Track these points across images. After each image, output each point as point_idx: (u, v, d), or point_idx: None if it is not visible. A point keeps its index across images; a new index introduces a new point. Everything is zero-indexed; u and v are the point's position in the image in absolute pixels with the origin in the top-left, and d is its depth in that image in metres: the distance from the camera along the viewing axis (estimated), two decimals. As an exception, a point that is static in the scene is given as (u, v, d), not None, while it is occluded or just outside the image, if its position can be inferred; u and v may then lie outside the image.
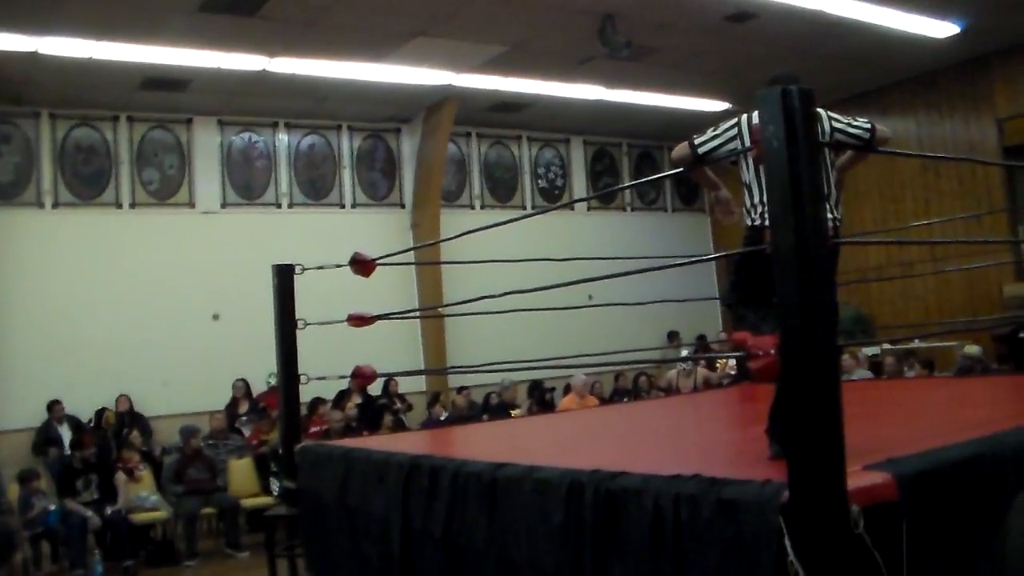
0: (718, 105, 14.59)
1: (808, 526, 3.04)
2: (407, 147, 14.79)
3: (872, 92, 14.86)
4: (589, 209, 16.46)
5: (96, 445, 10.13)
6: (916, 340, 13.19)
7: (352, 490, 5.90)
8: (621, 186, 17.65)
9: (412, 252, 12.76)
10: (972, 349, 11.42)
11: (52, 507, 9.20)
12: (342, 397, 11.58)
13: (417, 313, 13.19)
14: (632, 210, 17.32)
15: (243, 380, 12.18)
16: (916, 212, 14.10)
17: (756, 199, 4.15)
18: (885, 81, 14.61)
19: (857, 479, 3.19)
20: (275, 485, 9.76)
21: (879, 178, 13.63)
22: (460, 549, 4.74)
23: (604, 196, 16.89)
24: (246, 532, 10.15)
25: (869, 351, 12.59)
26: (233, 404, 12.15)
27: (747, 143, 4.10)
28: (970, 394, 7.61)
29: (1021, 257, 13.31)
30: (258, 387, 12.29)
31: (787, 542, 3.06)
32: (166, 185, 12.96)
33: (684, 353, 16.05)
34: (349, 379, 6.83)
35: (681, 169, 4.56)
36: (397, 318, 8.60)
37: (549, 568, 4.09)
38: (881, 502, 3.22)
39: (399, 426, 11.22)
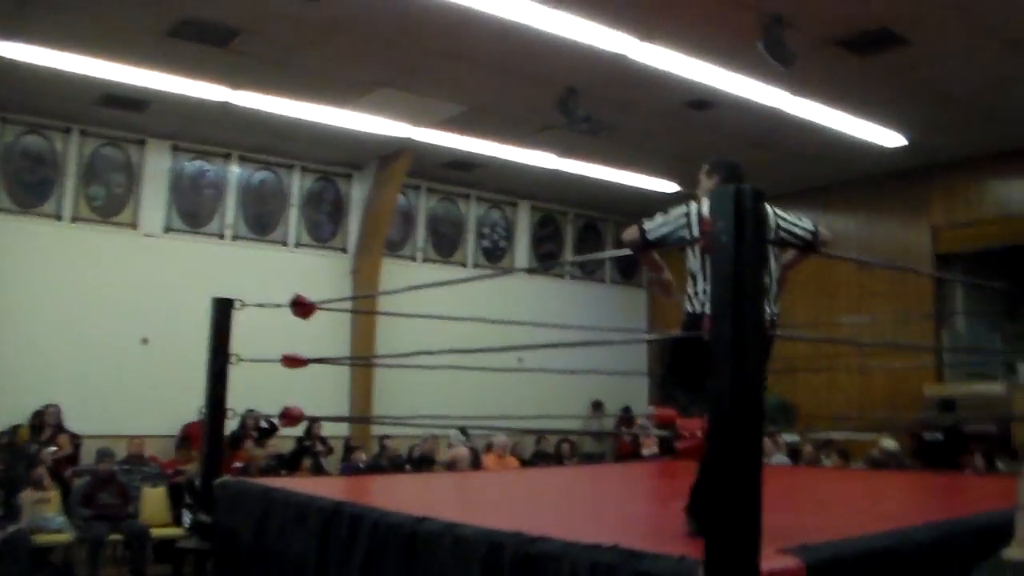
0: (668, 186, 14.84)
1: (721, 604, 3.14)
2: (356, 193, 14.82)
3: (817, 189, 15.26)
4: (529, 273, 16.60)
5: (4, 461, 9.94)
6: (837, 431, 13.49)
7: (270, 529, 5.89)
8: (584, 257, 17.86)
9: (353, 298, 12.81)
10: (889, 444, 11.68)
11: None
12: (241, 437, 11.52)
13: (335, 358, 13.15)
14: (571, 278, 17.46)
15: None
16: (848, 308, 14.49)
17: (699, 287, 4.27)
18: (830, 180, 15.03)
19: (770, 562, 3.28)
20: (187, 517, 9.64)
21: (816, 273, 13.88)
22: (375, 599, 4.77)
23: (545, 262, 17.05)
24: (152, 562, 9.90)
25: (789, 437, 12.82)
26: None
27: (695, 233, 4.22)
28: (883, 487, 7.81)
29: (942, 360, 13.69)
30: (183, 417, 12.10)
31: (699, 617, 3.16)
32: (111, 203, 12.80)
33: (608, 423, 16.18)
34: (277, 419, 6.82)
35: (629, 251, 4.67)
36: (332, 363, 8.60)
37: (463, 625, 4.14)
38: (792, 586, 3.33)
39: (318, 469, 11.18)
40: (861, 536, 4.00)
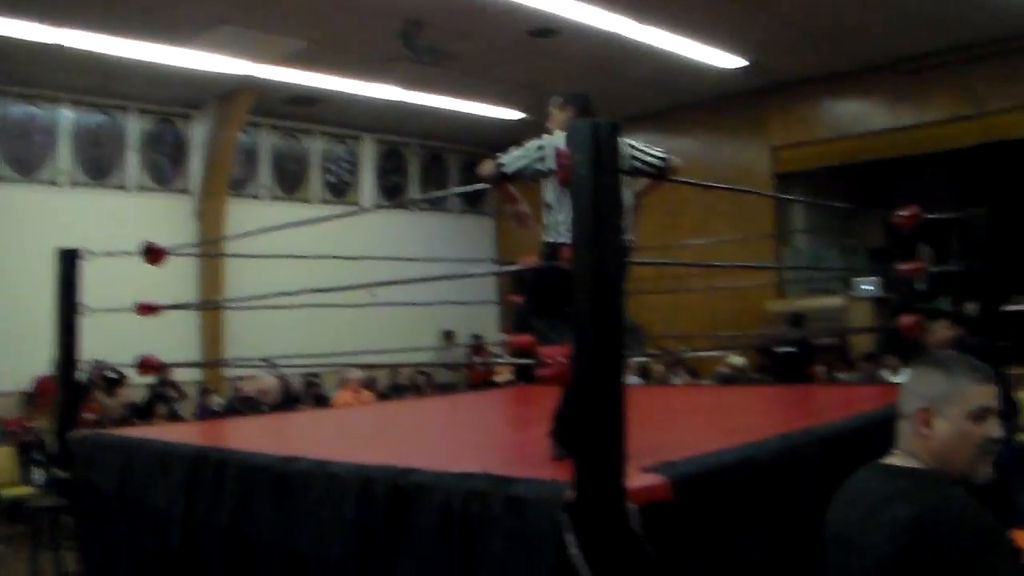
0: (512, 114, 14.90)
1: (589, 523, 3.25)
2: (197, 133, 14.45)
3: (661, 112, 15.55)
4: (373, 208, 16.52)
5: None
6: (684, 349, 13.89)
7: (132, 481, 5.79)
8: (446, 191, 17.84)
9: (203, 243, 12.60)
10: (736, 360, 12.11)
11: None
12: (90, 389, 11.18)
13: (189, 304, 12.94)
14: (418, 210, 17.45)
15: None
16: (693, 229, 14.83)
17: (557, 218, 4.37)
18: (674, 104, 15.31)
19: (635, 480, 3.42)
20: (39, 474, 9.42)
21: (660, 194, 14.16)
22: (246, 541, 4.76)
23: (392, 196, 17.01)
24: (3, 524, 9.61)
25: (639, 357, 13.15)
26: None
27: (552, 165, 4.30)
28: (734, 402, 8.11)
29: (783, 277, 14.22)
30: (27, 373, 11.75)
31: (570, 537, 3.27)
32: (-70, 152, 12.25)
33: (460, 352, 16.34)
34: (135, 368, 6.71)
35: (485, 185, 4.76)
36: (190, 308, 8.49)
37: (337, 561, 4.18)
38: (656, 502, 3.47)
39: (173, 416, 11.01)
40: (719, 450, 4.20)
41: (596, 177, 3.35)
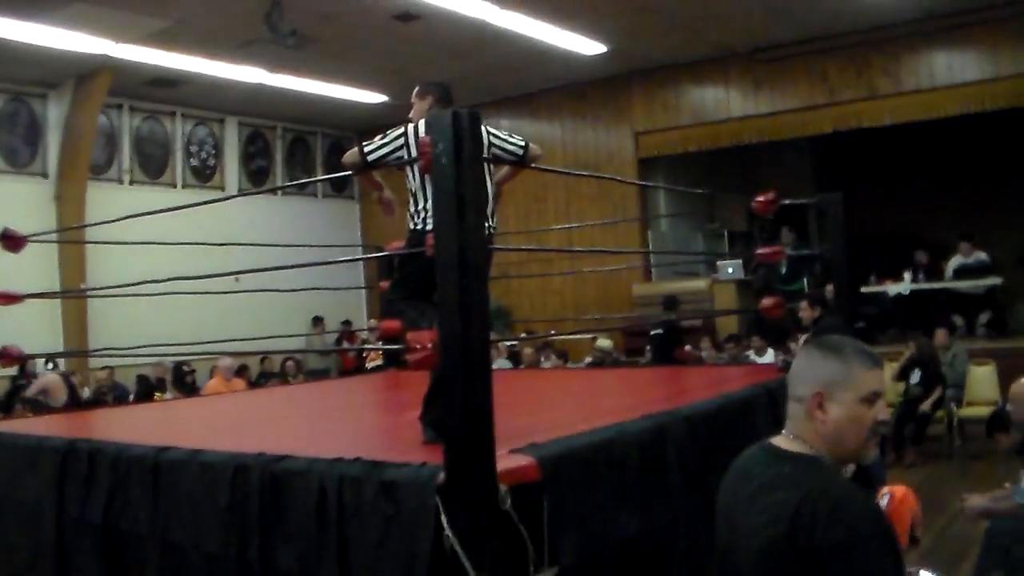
0: (377, 97, 14.90)
1: (462, 504, 3.36)
2: (53, 114, 14.06)
3: (525, 97, 15.76)
4: (239, 191, 16.35)
5: None
6: (552, 332, 14.10)
7: (-1, 477, 5.72)
8: (313, 179, 17.64)
9: (64, 230, 12.31)
10: (604, 343, 12.34)
11: None
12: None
13: (50, 292, 12.63)
14: (284, 194, 17.31)
15: None
16: (557, 212, 15.08)
17: (420, 205, 4.49)
18: (537, 88, 15.51)
19: (504, 462, 3.55)
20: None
21: (524, 179, 14.21)
22: (122, 534, 4.74)
23: (257, 179, 16.84)
24: None
25: (508, 342, 13.31)
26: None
27: (414, 153, 4.40)
28: (601, 384, 8.23)
29: (649, 261, 14.53)
30: None
31: (443, 519, 3.37)
32: None
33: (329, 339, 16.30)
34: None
35: (349, 172, 4.84)
36: (51, 297, 8.30)
37: (215, 549, 4.20)
38: (525, 482, 3.61)
39: (36, 408, 10.76)
40: (585, 431, 4.33)
41: (457, 165, 3.44)
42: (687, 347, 12.12)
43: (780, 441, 2.47)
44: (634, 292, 14.48)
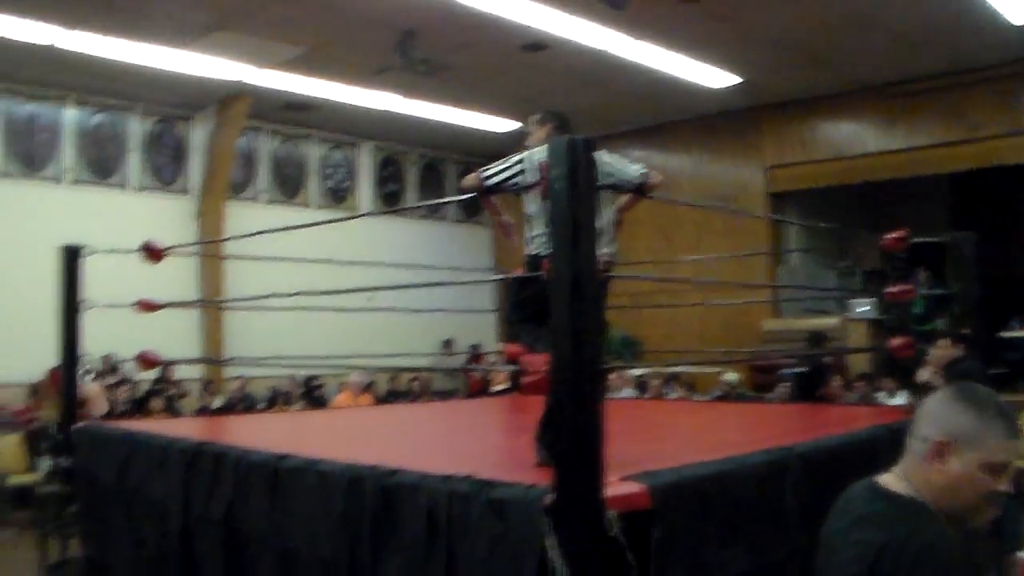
0: (507, 124, 15.07)
1: (569, 527, 3.38)
2: (197, 136, 14.61)
3: (654, 128, 15.71)
4: (371, 213, 16.69)
5: None
6: (680, 364, 14.01)
7: (132, 472, 5.95)
8: (439, 200, 17.71)
9: (202, 243, 12.76)
10: (731, 376, 12.22)
11: None
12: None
13: (187, 302, 13.06)
14: (417, 218, 17.57)
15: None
16: (688, 244, 14.94)
17: (537, 230, 4.56)
18: (667, 119, 15.45)
19: (614, 488, 3.56)
20: (45, 463, 9.58)
21: (655, 210, 14.12)
22: (240, 535, 4.92)
23: (390, 203, 17.15)
24: (11, 509, 9.81)
25: (635, 371, 13.25)
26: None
27: (531, 179, 4.50)
28: (724, 418, 8.16)
29: (779, 296, 14.34)
30: (33, 364, 11.91)
31: (549, 540, 3.43)
32: (-63, 150, 12.40)
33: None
34: (134, 362, 6.89)
35: (469, 195, 4.94)
36: (185, 307, 8.64)
37: (327, 556, 4.34)
38: (635, 509, 3.59)
39: (172, 411, 11.15)
40: (701, 462, 4.31)
41: (572, 191, 3.51)
42: (833, 385, 11.73)
43: (888, 478, 2.36)
44: (763, 328, 14.28)
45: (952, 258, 15.43)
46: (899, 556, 2.12)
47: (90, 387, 9.94)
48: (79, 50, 11.26)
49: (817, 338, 12.12)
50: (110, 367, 11.24)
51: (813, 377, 11.27)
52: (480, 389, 13.93)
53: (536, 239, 4.58)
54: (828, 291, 15.32)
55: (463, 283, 15.31)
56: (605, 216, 4.57)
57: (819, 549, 2.46)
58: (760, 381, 13.15)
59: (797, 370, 11.41)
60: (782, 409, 9.29)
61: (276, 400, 12.27)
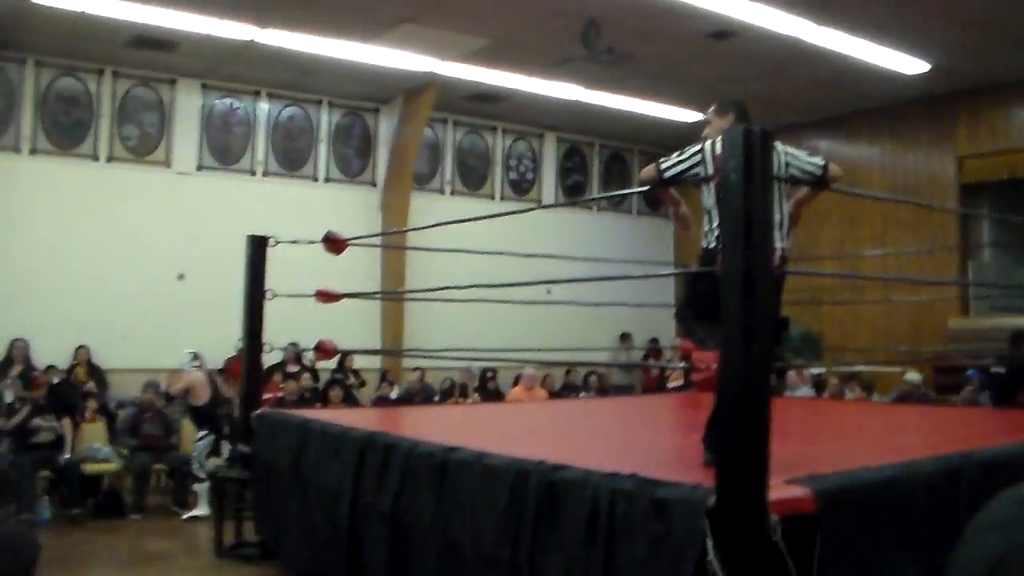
0: (691, 115, 14.85)
1: (730, 530, 3.33)
2: (384, 128, 14.91)
3: (841, 118, 15.22)
4: (553, 205, 16.71)
5: (50, 391, 10.23)
6: (859, 364, 13.58)
7: (306, 460, 6.13)
8: (611, 194, 17.64)
9: (383, 234, 13.02)
10: (913, 376, 11.76)
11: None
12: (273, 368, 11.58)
13: (366, 293, 13.29)
14: (599, 210, 17.54)
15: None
16: (873, 238, 14.48)
17: (714, 224, 4.44)
18: (854, 108, 14.93)
19: (779, 491, 3.47)
20: (225, 448, 9.91)
21: (840, 201, 13.81)
22: (406, 525, 5.00)
23: (573, 194, 17.14)
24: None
25: (815, 370, 12.91)
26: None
27: (710, 171, 4.39)
28: (902, 420, 7.92)
29: (968, 293, 13.74)
30: (219, 350, 12.39)
31: (709, 543, 3.36)
32: (144, 142, 12.99)
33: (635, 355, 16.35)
34: (312, 351, 7.08)
35: (647, 187, 4.86)
36: (365, 297, 8.81)
37: (490, 548, 4.37)
38: (799, 514, 3.50)
39: (349, 401, 11.42)
40: (869, 467, 4.17)
41: (747, 183, 3.41)
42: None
43: None
44: (949, 326, 13.70)
45: None
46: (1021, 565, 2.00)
47: (194, 375, 10.21)
48: (274, 44, 11.63)
49: (1019, 338, 11.49)
50: (293, 355, 11.52)
51: (1012, 380, 10.64)
52: (656, 385, 13.82)
53: (712, 232, 4.48)
54: (1021, 286, 14.51)
55: (638, 277, 15.20)
56: (782, 209, 4.44)
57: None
58: (944, 382, 12.60)
59: (994, 370, 10.79)
60: (964, 413, 8.95)
61: (452, 392, 12.40)
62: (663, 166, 4.61)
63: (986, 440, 5.60)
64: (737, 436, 3.39)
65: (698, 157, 4.52)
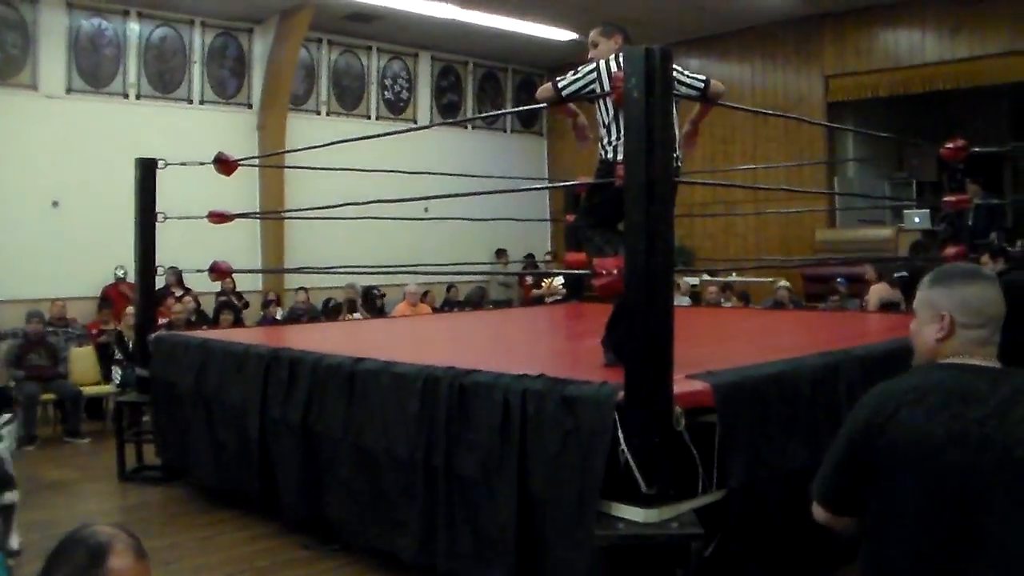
0: (566, 35, 15.00)
1: (638, 422, 3.59)
2: (259, 48, 14.67)
3: (712, 38, 15.52)
4: (431, 125, 16.75)
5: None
6: (733, 273, 14.07)
7: (209, 379, 6.19)
8: (505, 111, 17.77)
9: (267, 155, 12.91)
10: (784, 285, 12.27)
11: None
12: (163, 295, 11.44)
13: (258, 213, 13.23)
14: (473, 128, 17.62)
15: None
16: (744, 155, 14.89)
17: (612, 137, 4.66)
18: (726, 29, 15.26)
19: (680, 385, 3.76)
20: (117, 373, 9.86)
21: (711, 120, 14.21)
22: (317, 436, 5.15)
23: (448, 113, 17.20)
24: (84, 420, 9.92)
25: (690, 281, 13.34)
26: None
27: (607, 87, 4.59)
28: (780, 324, 8.34)
29: (834, 205, 14.29)
30: (100, 278, 12.25)
31: (619, 434, 3.61)
32: (9, 64, 12.46)
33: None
34: (208, 272, 7.12)
35: (544, 106, 5.07)
36: (257, 217, 8.82)
37: (403, 454, 4.55)
38: (699, 406, 3.82)
39: (238, 323, 11.39)
40: (760, 363, 4.50)
41: (648, 99, 3.63)
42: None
43: (975, 361, 2.28)
44: (817, 238, 14.26)
45: (1012, 170, 15.31)
46: None
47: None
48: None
49: (916, 246, 12.02)
50: (176, 279, 11.42)
51: (913, 282, 11.19)
52: (535, 299, 14.09)
53: (609, 145, 4.70)
54: (880, 198, 15.12)
55: (521, 190, 15.34)
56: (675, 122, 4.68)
57: (920, 448, 2.22)
58: (813, 291, 13.19)
59: (898, 275, 11.34)
60: (834, 316, 9.46)
61: (340, 310, 12.48)
62: (560, 84, 4.80)
63: (860, 340, 5.97)
64: (643, 335, 3.63)
65: (593, 75, 4.72)
